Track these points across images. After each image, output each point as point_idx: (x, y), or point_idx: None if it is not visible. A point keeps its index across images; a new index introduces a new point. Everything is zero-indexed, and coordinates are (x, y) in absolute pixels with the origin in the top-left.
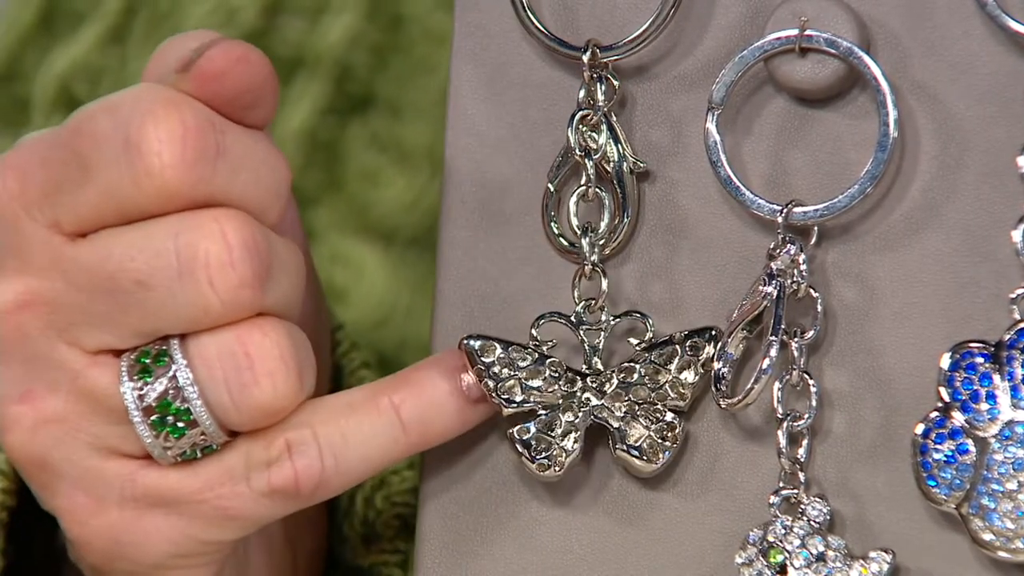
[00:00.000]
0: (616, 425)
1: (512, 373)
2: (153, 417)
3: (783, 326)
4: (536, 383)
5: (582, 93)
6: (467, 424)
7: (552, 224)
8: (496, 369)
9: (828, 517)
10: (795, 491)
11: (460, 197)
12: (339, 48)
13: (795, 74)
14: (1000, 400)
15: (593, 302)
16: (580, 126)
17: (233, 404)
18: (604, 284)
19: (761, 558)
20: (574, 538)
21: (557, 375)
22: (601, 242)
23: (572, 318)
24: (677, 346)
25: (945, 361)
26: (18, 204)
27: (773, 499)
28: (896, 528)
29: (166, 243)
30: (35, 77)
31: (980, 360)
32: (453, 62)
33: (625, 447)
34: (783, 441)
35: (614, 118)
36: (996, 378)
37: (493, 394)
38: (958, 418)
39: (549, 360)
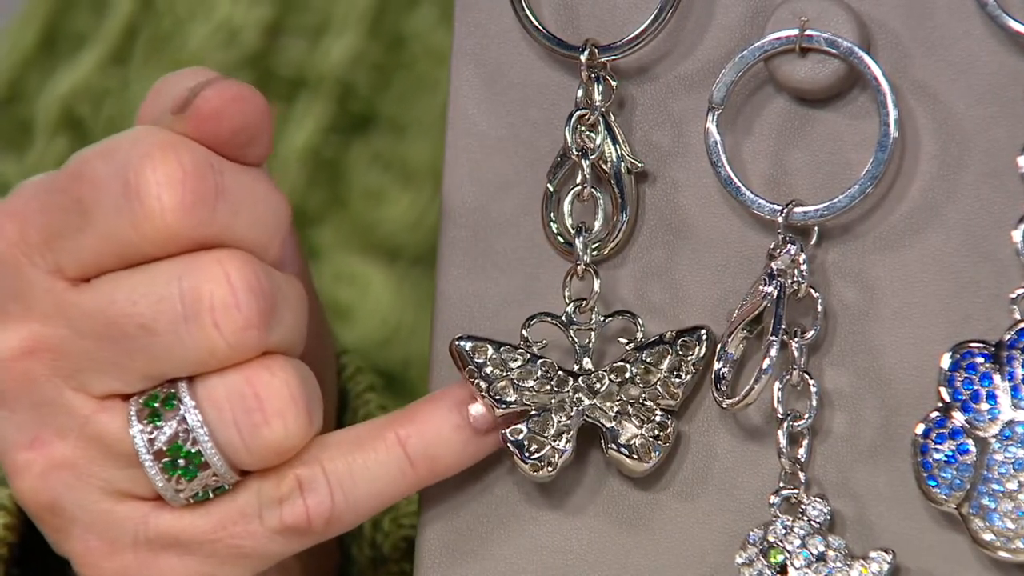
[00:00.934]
0: (608, 425)
1: (504, 374)
2: (164, 460)
3: (783, 326)
4: (528, 383)
5: (580, 93)
6: (476, 456)
7: (552, 224)
8: (488, 370)
9: (828, 517)
10: (795, 491)
11: (460, 197)
12: (341, 67)
13: (795, 74)
14: (1000, 400)
15: (584, 302)
16: (578, 126)
17: (244, 445)
18: (596, 284)
19: (761, 558)
20: (574, 538)
21: (549, 375)
22: (596, 243)
23: (563, 318)
24: (668, 345)
25: (945, 361)
26: (19, 250)
27: (773, 499)
28: (896, 528)
29: (169, 287)
30: (37, 99)
31: (980, 360)
32: (453, 62)
33: (617, 447)
34: (783, 441)
35: (612, 118)
36: (996, 378)
37: (485, 394)
38: (958, 418)
39: (541, 360)
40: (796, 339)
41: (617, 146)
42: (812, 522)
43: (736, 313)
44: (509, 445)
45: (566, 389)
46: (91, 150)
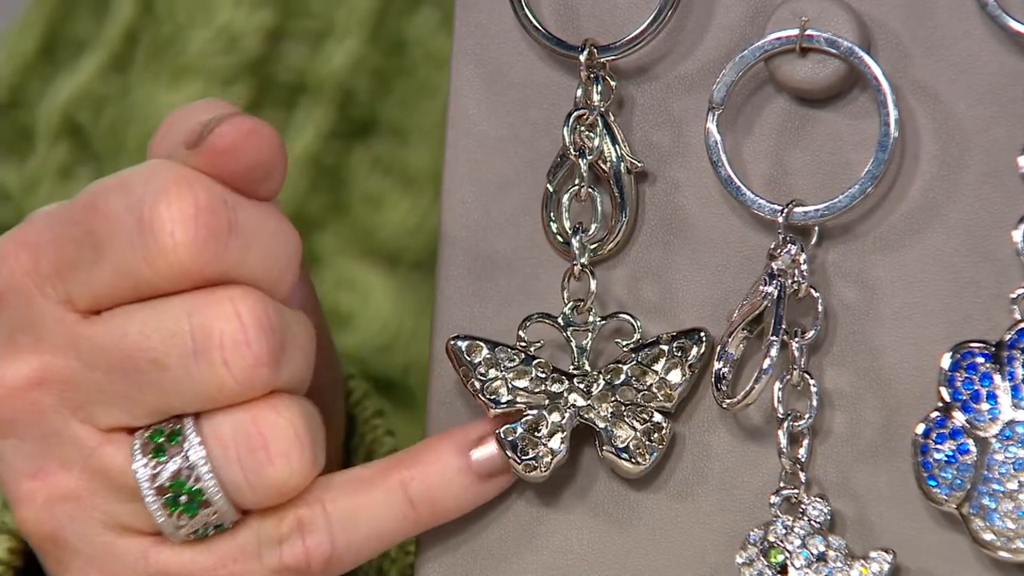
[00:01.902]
0: (602, 426)
1: (498, 373)
2: (166, 496)
3: (784, 326)
4: (522, 384)
5: (579, 93)
6: (479, 500)
7: (552, 224)
8: (483, 369)
9: (829, 517)
10: (796, 491)
11: (460, 197)
12: (342, 73)
13: (796, 74)
14: (1001, 400)
15: (581, 303)
16: (576, 126)
17: (247, 484)
18: (592, 285)
19: (762, 558)
20: (575, 538)
21: (544, 376)
22: (596, 243)
23: (559, 319)
24: (664, 347)
25: (946, 361)
26: (31, 280)
27: (774, 499)
28: (897, 528)
29: (180, 323)
30: (38, 105)
31: (981, 360)
32: (453, 62)
33: (612, 448)
34: (784, 441)
35: (611, 118)
36: (997, 378)
37: (479, 394)
38: (959, 418)
39: (536, 361)
40: (796, 339)
41: (616, 146)
42: (812, 522)
43: (736, 313)
44: (503, 445)
45: (560, 390)
46: (105, 183)
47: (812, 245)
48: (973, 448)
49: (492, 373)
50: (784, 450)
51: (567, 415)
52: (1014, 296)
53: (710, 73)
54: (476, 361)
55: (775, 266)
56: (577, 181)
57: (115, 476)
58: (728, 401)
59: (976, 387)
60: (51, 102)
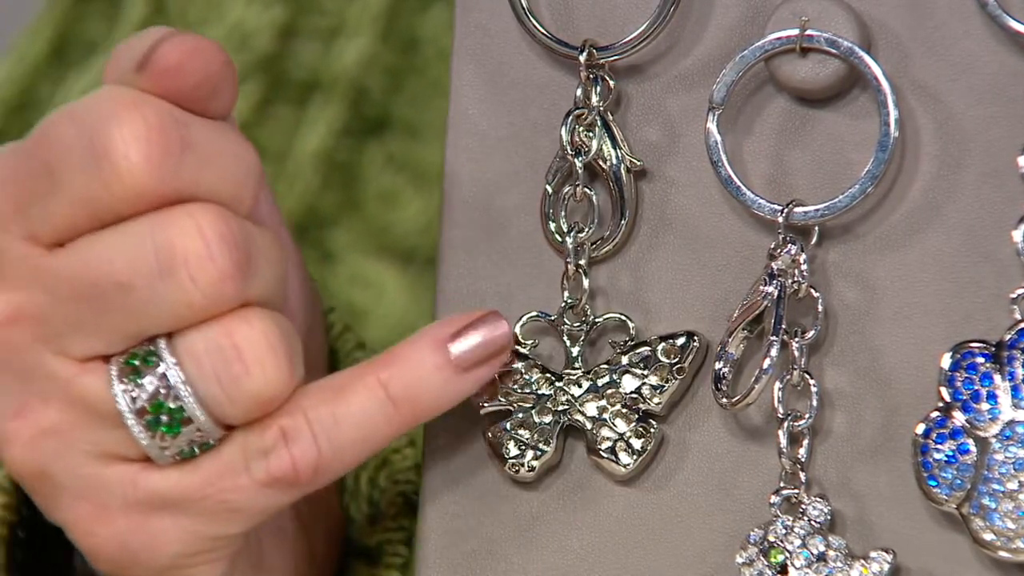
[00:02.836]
0: (589, 427)
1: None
2: (147, 418)
3: (784, 326)
4: (511, 384)
5: (579, 93)
6: (458, 395)
7: (550, 223)
8: None
9: (829, 517)
10: (796, 491)
11: (460, 196)
12: (354, 70)
13: (796, 74)
14: (1001, 400)
15: (577, 303)
16: (574, 126)
17: (226, 397)
18: (585, 283)
19: (762, 558)
20: (575, 537)
21: (534, 376)
22: (594, 242)
23: (553, 319)
24: (653, 349)
25: (946, 361)
26: None
27: (774, 499)
28: (897, 528)
29: (143, 244)
30: (49, 106)
31: (981, 360)
32: (453, 62)
33: (599, 449)
34: (784, 441)
35: (611, 117)
36: (997, 378)
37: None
38: (959, 418)
39: (526, 360)
40: (796, 339)
41: (616, 146)
42: (812, 522)
43: (736, 313)
44: (491, 444)
45: (550, 390)
46: (56, 114)
47: (812, 245)
48: (973, 448)
49: None
50: (784, 450)
51: (556, 415)
52: (1014, 296)
53: (709, 73)
54: None
55: (775, 266)
56: (574, 181)
57: (95, 404)
58: (728, 401)
59: (976, 387)
60: (62, 103)
